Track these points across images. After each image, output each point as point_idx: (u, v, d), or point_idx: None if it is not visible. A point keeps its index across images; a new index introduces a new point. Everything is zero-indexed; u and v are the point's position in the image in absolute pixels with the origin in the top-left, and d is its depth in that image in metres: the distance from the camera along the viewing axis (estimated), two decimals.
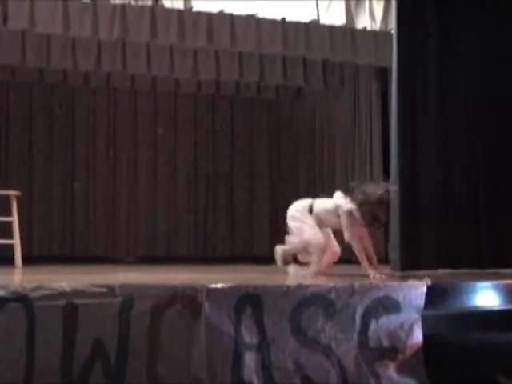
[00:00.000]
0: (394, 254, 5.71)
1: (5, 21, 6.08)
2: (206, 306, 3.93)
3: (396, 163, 5.70)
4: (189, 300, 3.93)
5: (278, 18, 6.70)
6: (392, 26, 6.17)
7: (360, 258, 5.09)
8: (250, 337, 3.95)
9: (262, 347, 3.95)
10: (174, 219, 8.93)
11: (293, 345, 3.98)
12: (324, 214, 5.36)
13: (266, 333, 3.96)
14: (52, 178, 8.56)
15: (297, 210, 5.49)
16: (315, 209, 5.40)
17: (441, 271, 5.57)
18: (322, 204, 5.42)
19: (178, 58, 7.51)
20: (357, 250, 5.11)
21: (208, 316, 3.92)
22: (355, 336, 4.07)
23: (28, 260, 6.80)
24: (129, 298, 3.84)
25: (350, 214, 5.13)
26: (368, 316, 4.10)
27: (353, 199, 5.08)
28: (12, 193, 6.69)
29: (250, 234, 9.18)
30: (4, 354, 3.63)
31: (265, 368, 3.94)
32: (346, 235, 5.18)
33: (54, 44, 7.17)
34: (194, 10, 6.38)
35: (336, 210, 5.26)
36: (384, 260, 6.91)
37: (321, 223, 5.37)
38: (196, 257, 8.66)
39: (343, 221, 5.17)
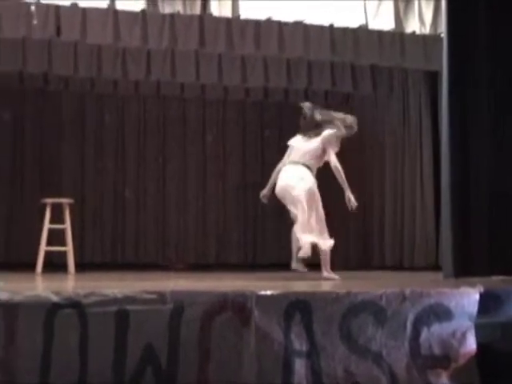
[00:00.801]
0: (446, 260, 5.64)
1: (58, 33, 6.21)
2: (256, 312, 3.93)
3: (447, 168, 5.62)
4: (239, 307, 3.94)
5: (326, 23, 6.68)
6: (442, 29, 6.10)
7: (343, 181, 5.88)
8: (299, 343, 3.94)
9: (312, 354, 3.93)
10: (223, 226, 8.96)
11: (343, 352, 3.96)
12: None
13: (316, 340, 3.94)
14: (103, 185, 8.68)
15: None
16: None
17: (494, 278, 5.47)
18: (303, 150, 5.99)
19: (226, 66, 7.55)
20: (342, 173, 5.87)
21: (258, 323, 3.92)
22: (406, 343, 4.02)
23: (80, 266, 6.90)
24: (179, 304, 3.87)
25: (331, 137, 5.92)
26: (419, 323, 4.05)
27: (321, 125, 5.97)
28: (65, 201, 6.81)
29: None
30: (58, 359, 3.69)
31: (315, 375, 3.92)
32: (333, 160, 5.89)
33: (105, 54, 7.29)
34: (242, 17, 6.41)
35: (319, 145, 5.94)
36: (436, 266, 6.83)
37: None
38: (245, 264, 8.67)
39: (329, 146, 5.94)
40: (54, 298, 3.77)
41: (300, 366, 3.93)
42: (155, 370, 3.82)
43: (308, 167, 6.01)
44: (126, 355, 3.75)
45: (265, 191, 6.30)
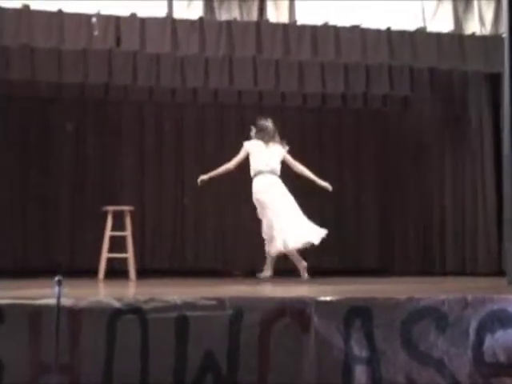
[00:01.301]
0: (510, 266, 5.51)
1: (117, 43, 6.31)
2: (315, 318, 3.92)
3: (509, 173, 5.50)
4: (298, 313, 3.93)
5: (383, 27, 6.63)
6: (503, 29, 5.97)
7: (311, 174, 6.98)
8: (359, 350, 3.90)
9: (372, 361, 3.90)
10: None
11: (404, 358, 3.91)
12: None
13: (376, 346, 3.90)
14: (163, 192, 8.77)
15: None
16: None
17: None
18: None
19: (283, 72, 7.56)
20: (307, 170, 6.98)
21: (317, 329, 3.91)
22: (469, 351, 3.95)
23: (141, 273, 6.99)
24: (238, 310, 3.88)
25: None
26: (482, 330, 3.97)
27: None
28: (125, 208, 6.92)
29: (359, 247, 9.08)
30: (120, 364, 3.75)
31: (375, 382, 3.89)
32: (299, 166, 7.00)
33: (164, 63, 7.38)
34: (299, 23, 6.41)
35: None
36: (499, 272, 6.67)
37: None
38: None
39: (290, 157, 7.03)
40: (116, 304, 3.83)
41: (360, 372, 3.90)
42: (215, 376, 3.84)
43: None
44: (187, 361, 3.78)
45: (205, 177, 6.95)
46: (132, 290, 5.52)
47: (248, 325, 3.87)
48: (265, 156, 6.90)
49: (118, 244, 6.88)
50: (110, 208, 6.86)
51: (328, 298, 3.96)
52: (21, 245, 8.30)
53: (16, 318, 3.75)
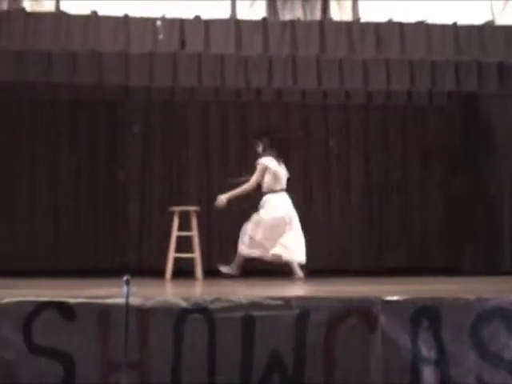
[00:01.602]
0: None
1: (182, 46, 6.39)
2: (382, 318, 3.88)
3: None
4: (364, 312, 3.91)
5: (449, 22, 6.51)
6: None
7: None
8: (427, 351, 3.85)
9: (441, 362, 3.84)
10: (347, 231, 8.90)
11: (474, 360, 3.84)
12: None
13: (445, 347, 3.84)
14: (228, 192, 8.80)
15: None
16: None
17: None
18: None
19: (347, 70, 7.50)
20: None
21: (384, 329, 3.87)
22: None
23: (208, 273, 7.06)
24: (305, 310, 3.88)
25: None
26: None
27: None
28: (191, 208, 7.00)
29: (425, 245, 8.94)
30: (188, 362, 3.79)
31: (444, 383, 3.82)
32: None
33: (228, 63, 7.42)
34: (362, 20, 6.35)
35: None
36: None
37: None
38: (370, 269, 8.56)
39: None
40: (183, 304, 3.88)
41: (428, 373, 3.85)
42: (282, 376, 3.85)
43: None
44: (253, 360, 3.80)
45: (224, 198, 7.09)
46: (199, 290, 5.58)
47: (314, 324, 3.87)
48: (282, 172, 7.19)
49: (185, 245, 6.96)
50: (177, 208, 6.95)
51: (395, 298, 3.92)
52: (91, 245, 8.48)
53: (86, 316, 3.84)
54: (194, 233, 6.94)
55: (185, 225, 6.96)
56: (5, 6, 5.95)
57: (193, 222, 6.96)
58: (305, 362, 3.84)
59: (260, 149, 7.29)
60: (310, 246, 8.77)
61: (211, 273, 7.30)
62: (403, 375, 3.85)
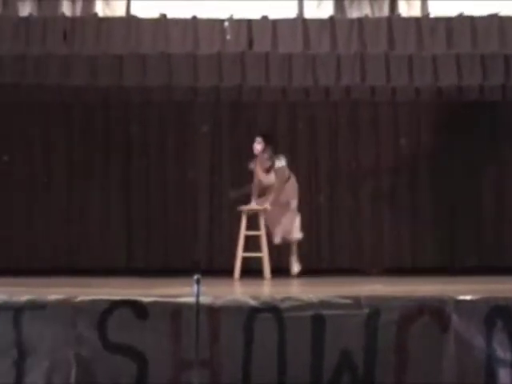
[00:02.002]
0: None
1: (250, 45, 6.43)
2: (455, 318, 3.82)
3: None
4: (437, 312, 3.85)
5: None
6: None
7: None
8: (503, 352, 3.77)
9: None
10: (418, 230, 8.76)
11: None
12: None
13: None
14: (298, 191, 8.80)
15: None
16: None
17: None
18: None
19: (417, 66, 7.40)
20: None
21: (457, 329, 3.81)
22: None
23: (277, 272, 7.07)
24: (375, 309, 3.85)
25: None
26: None
27: None
28: (260, 208, 7.03)
29: (500, 243, 8.73)
30: (258, 361, 3.81)
31: None
32: None
33: (295, 62, 7.42)
34: (432, 15, 6.26)
35: None
36: None
37: None
38: (442, 268, 8.41)
39: None
40: (253, 303, 3.90)
41: (505, 375, 3.77)
42: (352, 375, 3.83)
43: None
44: (323, 359, 3.79)
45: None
46: (268, 289, 5.60)
47: (385, 324, 3.83)
48: None
49: (253, 244, 7.01)
50: (245, 208, 7.00)
51: (468, 297, 3.85)
52: (161, 245, 8.61)
53: (158, 314, 3.91)
54: (262, 232, 6.98)
55: (253, 224, 7.01)
56: (78, 12, 6.11)
57: (260, 221, 7.00)
58: (375, 362, 3.81)
59: (260, 147, 7.34)
60: (381, 245, 8.72)
61: (279, 272, 7.31)
62: (478, 376, 3.77)
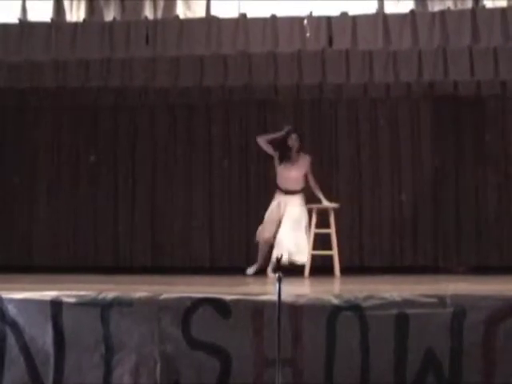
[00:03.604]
0: None
1: (330, 43, 6.39)
2: None
3: None
4: None
5: None
6: None
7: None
8: None
9: None
10: (502, 226, 8.51)
11: None
12: None
13: None
14: (379, 188, 8.70)
15: None
16: None
17: None
18: None
19: (502, 59, 7.19)
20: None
21: None
22: None
23: (357, 270, 7.04)
24: (461, 308, 3.78)
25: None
26: None
27: None
28: (330, 205, 7.02)
29: None
30: (341, 359, 3.80)
31: None
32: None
33: (376, 58, 7.33)
34: None
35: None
36: None
37: None
38: None
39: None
40: (335, 301, 3.88)
41: None
42: (437, 376, 3.77)
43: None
44: (407, 358, 3.75)
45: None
46: (349, 287, 5.56)
47: (472, 323, 3.76)
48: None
49: (323, 241, 7.08)
50: (315, 206, 7.02)
51: None
52: (243, 244, 8.65)
53: (241, 312, 3.94)
54: (332, 230, 7.01)
55: (325, 222, 7.04)
56: (159, 15, 6.21)
57: (330, 219, 7.00)
58: (462, 363, 3.74)
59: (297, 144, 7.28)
60: (464, 243, 8.52)
61: (363, 270, 7.27)
62: None
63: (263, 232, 7.16)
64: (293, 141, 7.28)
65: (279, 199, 7.21)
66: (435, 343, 3.74)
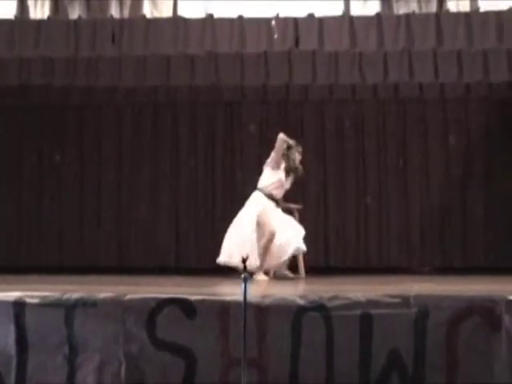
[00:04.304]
0: None
1: (296, 44, 6.42)
2: (506, 318, 3.75)
3: None
4: (487, 312, 3.79)
5: None
6: None
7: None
8: None
9: None
10: (468, 229, 8.63)
11: None
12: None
13: None
14: (344, 191, 8.75)
15: None
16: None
17: None
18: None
19: (466, 62, 7.28)
20: None
21: (509, 329, 3.75)
22: None
23: (325, 271, 7.05)
24: (424, 308, 3.81)
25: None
26: None
27: None
28: (294, 206, 7.08)
29: None
30: (306, 359, 3.81)
31: None
32: None
33: (342, 60, 7.38)
34: (482, 10, 6.16)
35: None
36: None
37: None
38: (492, 267, 8.27)
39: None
40: (300, 301, 3.89)
41: None
42: (401, 375, 3.79)
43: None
44: (372, 358, 3.77)
45: None
46: (314, 288, 5.58)
47: (435, 323, 3.79)
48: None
49: None
50: (279, 206, 7.03)
51: None
52: (208, 244, 8.64)
53: (206, 312, 3.93)
54: None
55: None
56: (126, 14, 6.18)
57: (295, 219, 7.01)
58: (425, 362, 3.77)
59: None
60: (429, 244, 8.61)
61: (330, 271, 7.29)
62: None
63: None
64: None
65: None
66: (399, 343, 3.77)
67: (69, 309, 4.03)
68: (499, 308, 3.76)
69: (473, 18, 6.27)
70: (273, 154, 6.84)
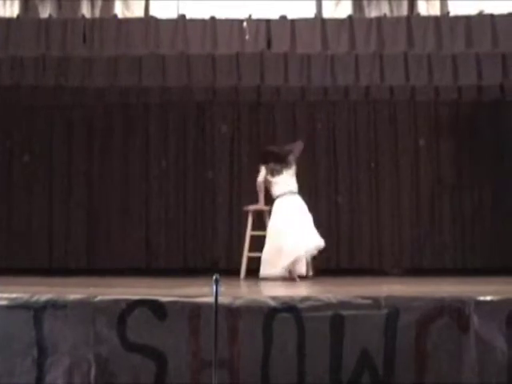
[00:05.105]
0: None
1: (268, 45, 6.43)
2: (475, 319, 3.79)
3: None
4: (456, 312, 3.83)
5: None
6: None
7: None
8: None
9: None
10: (438, 230, 8.72)
11: None
12: None
13: None
14: (316, 191, 8.79)
15: None
16: None
17: None
18: None
19: (436, 66, 7.35)
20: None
21: (477, 330, 3.78)
22: None
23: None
24: (394, 309, 3.84)
25: None
26: None
27: None
28: (265, 208, 7.04)
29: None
30: (277, 361, 3.81)
31: None
32: None
33: (314, 62, 7.41)
34: (451, 14, 6.23)
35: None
36: None
37: None
38: (461, 268, 8.37)
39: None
40: (272, 303, 3.89)
41: None
42: (372, 376, 3.81)
43: None
44: (343, 359, 3.78)
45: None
46: (286, 290, 5.59)
47: (405, 324, 3.82)
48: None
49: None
50: (251, 208, 7.03)
51: (488, 298, 3.82)
52: (180, 245, 8.63)
53: (177, 314, 3.91)
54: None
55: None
56: (97, 14, 6.14)
57: (266, 221, 7.00)
58: (395, 363, 3.79)
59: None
60: (401, 246, 8.67)
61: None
62: (499, 378, 3.74)
63: None
64: None
65: None
66: (370, 344, 3.79)
67: (38, 311, 3.99)
68: (468, 309, 3.80)
69: (442, 22, 6.33)
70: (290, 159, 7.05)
